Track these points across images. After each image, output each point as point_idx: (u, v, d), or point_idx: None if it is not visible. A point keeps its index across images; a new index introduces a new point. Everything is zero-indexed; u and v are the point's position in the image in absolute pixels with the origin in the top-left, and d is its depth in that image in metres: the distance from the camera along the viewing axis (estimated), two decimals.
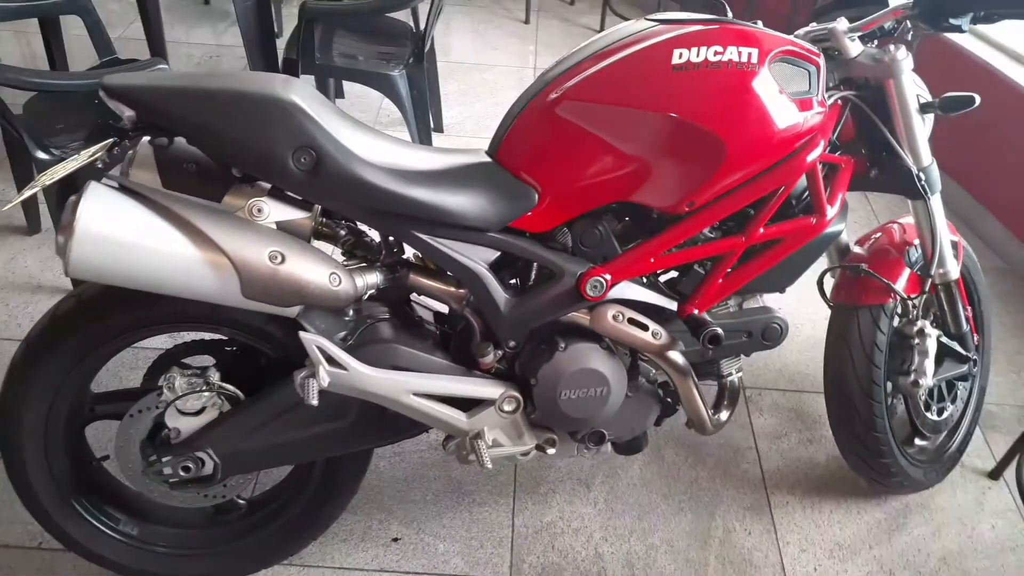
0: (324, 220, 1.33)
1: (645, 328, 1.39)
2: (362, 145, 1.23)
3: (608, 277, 1.34)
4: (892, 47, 1.39)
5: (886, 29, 1.44)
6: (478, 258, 1.32)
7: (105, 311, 1.28)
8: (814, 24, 1.47)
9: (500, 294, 1.34)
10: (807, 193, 1.42)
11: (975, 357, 1.70)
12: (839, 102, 1.44)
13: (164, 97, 1.16)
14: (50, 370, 1.30)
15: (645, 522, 1.74)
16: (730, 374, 1.56)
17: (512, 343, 1.39)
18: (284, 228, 1.24)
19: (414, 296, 1.46)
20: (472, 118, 3.18)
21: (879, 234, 1.67)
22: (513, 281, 1.42)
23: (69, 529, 1.42)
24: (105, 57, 2.38)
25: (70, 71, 2.59)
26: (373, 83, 2.51)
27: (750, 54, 1.25)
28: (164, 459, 1.34)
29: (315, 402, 1.22)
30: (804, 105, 1.31)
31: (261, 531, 1.54)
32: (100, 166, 1.19)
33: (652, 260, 1.36)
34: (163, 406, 1.34)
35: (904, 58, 1.38)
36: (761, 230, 1.37)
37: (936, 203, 1.51)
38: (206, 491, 1.43)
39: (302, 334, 1.24)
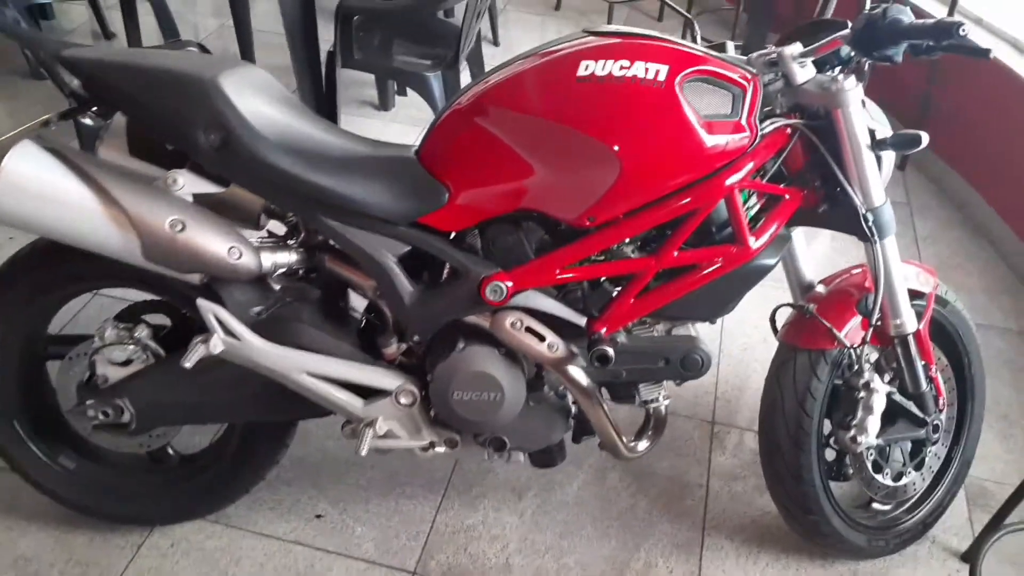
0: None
1: (542, 339, 1.37)
2: (279, 129, 1.29)
3: (510, 284, 1.34)
4: (841, 76, 1.30)
5: (843, 58, 1.34)
6: (387, 250, 1.35)
7: (51, 260, 1.42)
8: (772, 47, 1.40)
9: (405, 287, 1.37)
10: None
11: (934, 421, 1.54)
12: (786, 130, 1.36)
13: (103, 69, 1.28)
14: (5, 307, 1.46)
15: (565, 541, 1.70)
16: (654, 400, 1.50)
17: (416, 337, 1.41)
18: (218, 201, 1.33)
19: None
20: None
21: (846, 275, 1.56)
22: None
23: (13, 452, 1.58)
24: (170, 38, 2.61)
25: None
26: (408, 82, 2.59)
27: (658, 71, 1.21)
28: (88, 402, 1.46)
29: (189, 365, 1.30)
30: (722, 128, 1.25)
31: (188, 484, 1.64)
32: (53, 128, 1.34)
33: (556, 272, 1.34)
34: (93, 353, 1.46)
35: (852, 88, 1.28)
36: (675, 253, 1.32)
37: (887, 247, 1.38)
38: (134, 438, 1.54)
39: (199, 301, 1.32)
